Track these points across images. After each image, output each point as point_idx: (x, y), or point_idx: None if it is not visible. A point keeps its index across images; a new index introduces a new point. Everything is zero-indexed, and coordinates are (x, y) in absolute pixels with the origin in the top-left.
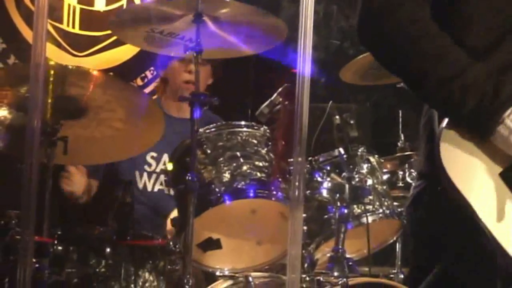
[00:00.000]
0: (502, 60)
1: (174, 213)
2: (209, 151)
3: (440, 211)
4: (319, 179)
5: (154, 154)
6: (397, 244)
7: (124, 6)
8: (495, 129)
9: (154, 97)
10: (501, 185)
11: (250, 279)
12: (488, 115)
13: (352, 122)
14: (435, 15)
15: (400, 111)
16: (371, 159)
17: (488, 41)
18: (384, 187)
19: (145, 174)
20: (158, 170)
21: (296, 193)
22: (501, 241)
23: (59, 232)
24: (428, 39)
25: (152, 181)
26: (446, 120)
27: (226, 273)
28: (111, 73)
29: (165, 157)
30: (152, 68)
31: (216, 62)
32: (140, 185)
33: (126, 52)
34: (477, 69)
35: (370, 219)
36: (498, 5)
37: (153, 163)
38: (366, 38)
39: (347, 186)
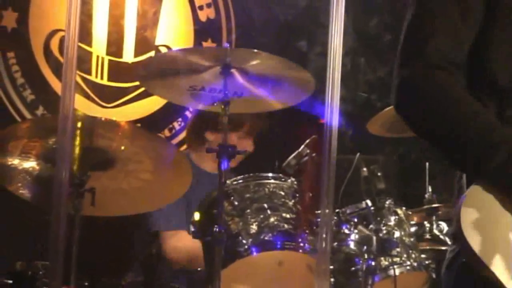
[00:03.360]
0: None
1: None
2: (236, 203)
3: (472, 277)
4: (346, 231)
5: None
6: None
7: None
8: None
9: (183, 148)
10: None
11: None
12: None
13: (379, 174)
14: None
15: (427, 163)
16: (398, 211)
17: None
18: (412, 239)
19: None
20: None
21: (323, 245)
22: None
23: (86, 283)
24: (458, 105)
25: None
26: (472, 186)
27: None
28: (139, 125)
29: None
30: (179, 119)
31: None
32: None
33: (153, 103)
34: (505, 131)
35: (397, 271)
36: None
37: None
38: (402, 109)
39: (374, 238)
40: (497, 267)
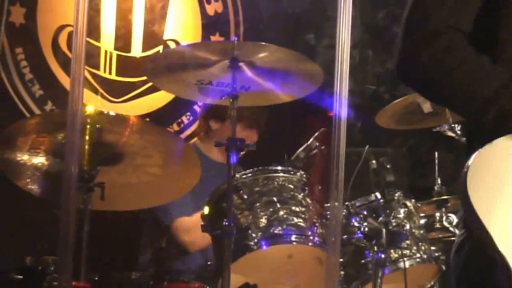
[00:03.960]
0: None
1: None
2: (245, 196)
3: (480, 262)
4: (355, 223)
5: None
6: None
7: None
8: None
9: (192, 141)
10: None
11: None
12: None
13: (388, 166)
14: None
15: (436, 155)
16: (408, 203)
17: None
18: (421, 231)
19: None
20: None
21: (333, 238)
22: None
23: (96, 278)
24: (466, 63)
25: None
26: (475, 154)
27: None
28: (147, 119)
29: None
30: (188, 113)
31: (261, 125)
32: None
33: (162, 97)
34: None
35: (407, 263)
36: None
37: None
38: (405, 73)
39: (384, 230)
40: (497, 234)
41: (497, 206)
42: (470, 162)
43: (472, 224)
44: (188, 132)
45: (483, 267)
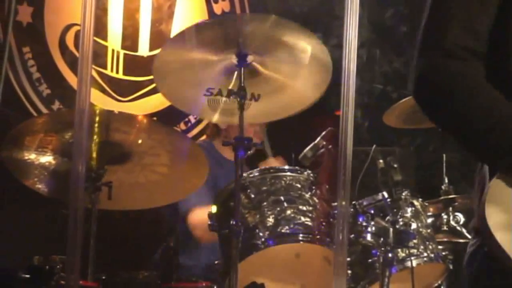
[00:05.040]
0: None
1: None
2: (253, 196)
3: (495, 270)
4: (363, 223)
5: None
6: None
7: None
8: None
9: (202, 138)
10: None
11: None
12: None
13: (395, 165)
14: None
15: (444, 154)
16: (415, 202)
17: None
18: (429, 230)
19: None
20: None
21: (340, 237)
22: None
23: (103, 277)
24: (475, 92)
25: None
26: (494, 178)
27: None
28: (155, 118)
29: None
30: None
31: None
32: None
33: None
34: None
35: (414, 262)
36: None
37: None
38: (421, 100)
39: (391, 229)
40: None
41: None
42: (490, 183)
43: (490, 246)
44: (195, 131)
45: (497, 280)
